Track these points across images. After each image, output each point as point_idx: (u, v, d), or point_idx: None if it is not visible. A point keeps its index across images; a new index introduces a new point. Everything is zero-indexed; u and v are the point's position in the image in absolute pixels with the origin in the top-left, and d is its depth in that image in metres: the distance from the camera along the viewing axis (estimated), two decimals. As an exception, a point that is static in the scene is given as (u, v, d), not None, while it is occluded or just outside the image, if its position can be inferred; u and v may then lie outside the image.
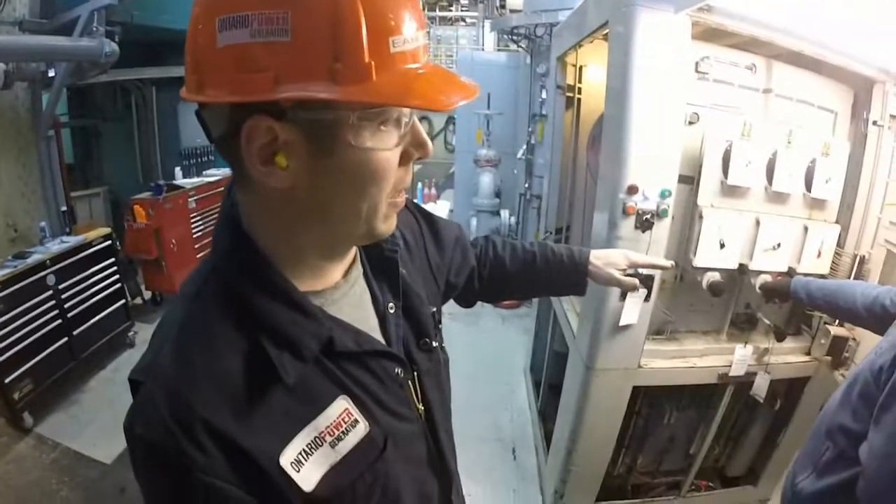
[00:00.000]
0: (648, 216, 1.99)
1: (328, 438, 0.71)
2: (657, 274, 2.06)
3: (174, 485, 0.63)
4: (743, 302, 2.50)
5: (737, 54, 2.30)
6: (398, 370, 0.82)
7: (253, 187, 0.66)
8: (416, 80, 0.61)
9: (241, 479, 0.64)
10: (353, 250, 0.83)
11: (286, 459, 0.66)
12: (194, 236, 5.25)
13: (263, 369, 0.66)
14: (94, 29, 3.97)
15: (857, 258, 2.52)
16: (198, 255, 5.24)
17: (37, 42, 3.87)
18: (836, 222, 2.47)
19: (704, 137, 2.15)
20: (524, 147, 5.49)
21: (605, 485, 2.63)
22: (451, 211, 6.05)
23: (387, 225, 0.73)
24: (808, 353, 2.58)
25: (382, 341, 0.83)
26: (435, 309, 0.97)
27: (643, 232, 2.01)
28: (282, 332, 0.68)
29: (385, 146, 0.64)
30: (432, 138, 9.81)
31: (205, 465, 0.62)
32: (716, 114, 2.18)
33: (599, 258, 1.29)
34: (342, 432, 0.72)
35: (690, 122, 2.16)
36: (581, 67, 3.28)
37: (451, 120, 9.33)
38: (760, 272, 2.25)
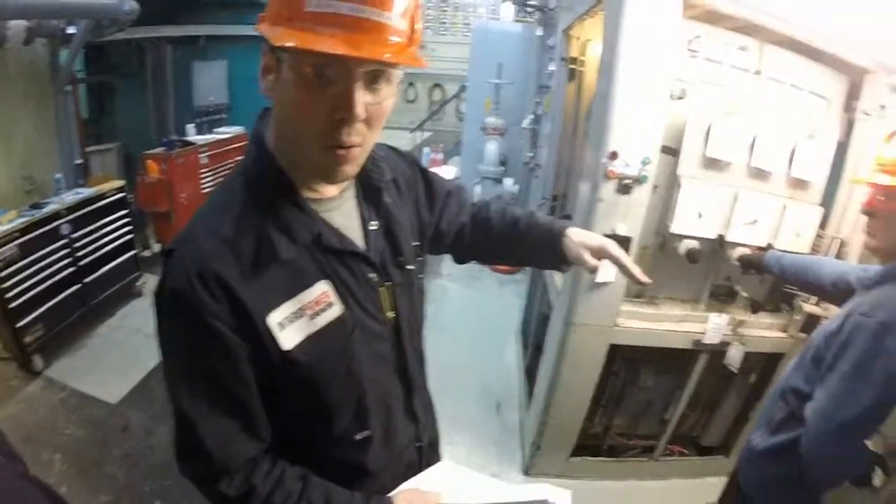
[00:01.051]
0: (628, 181, 2.09)
1: (308, 312, 0.90)
2: (636, 237, 2.17)
3: (187, 324, 0.84)
4: (723, 274, 2.60)
5: (730, 35, 2.36)
6: (372, 274, 1.00)
7: (273, 105, 0.88)
8: (311, 33, 0.74)
9: (237, 325, 0.84)
10: None
11: (273, 319, 0.87)
12: (204, 192, 5.27)
13: (269, 248, 0.86)
14: (116, -14, 4.05)
15: (838, 242, 2.61)
16: None
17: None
18: (821, 205, 2.55)
19: (689, 111, 2.24)
20: (531, 117, 5.54)
21: (581, 442, 2.75)
22: (456, 177, 6.10)
23: (330, 168, 0.87)
24: (785, 331, 2.68)
25: (363, 247, 1.00)
26: (417, 243, 1.14)
27: (622, 195, 2.11)
28: (284, 221, 0.88)
29: (299, 88, 0.80)
30: (443, 104, 9.79)
31: (213, 308, 0.82)
32: (703, 90, 2.25)
33: (576, 234, 1.26)
34: (320, 309, 0.91)
35: (679, 97, 2.25)
36: (586, 41, 3.35)
37: (463, 89, 9.33)
38: (738, 244, 2.34)
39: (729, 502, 1.97)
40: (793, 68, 2.46)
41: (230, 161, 5.67)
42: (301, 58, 0.77)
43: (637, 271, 1.22)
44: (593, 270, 1.24)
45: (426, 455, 1.21)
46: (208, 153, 5.37)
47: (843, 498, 1.67)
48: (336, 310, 0.93)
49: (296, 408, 0.96)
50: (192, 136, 5.59)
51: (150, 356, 3.53)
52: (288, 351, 0.88)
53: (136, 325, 4.25)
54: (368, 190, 1.03)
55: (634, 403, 2.85)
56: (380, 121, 0.86)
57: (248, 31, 6.96)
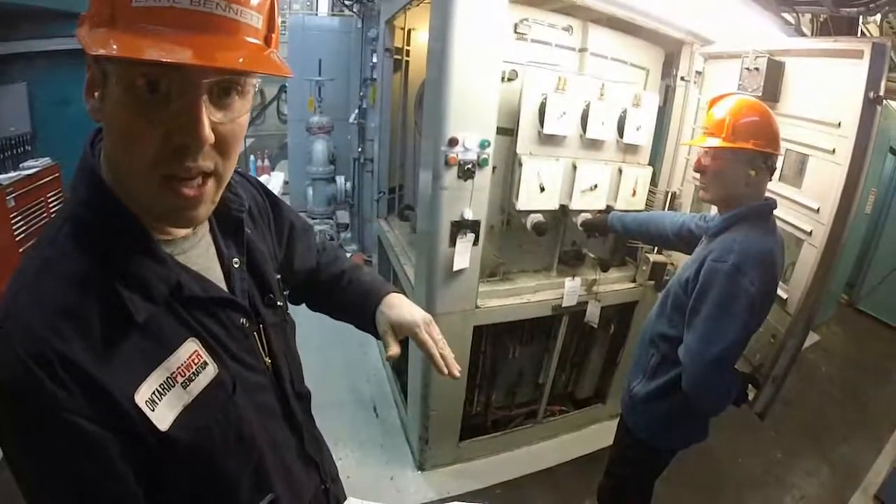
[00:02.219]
0: (469, 166, 2.17)
1: (179, 379, 0.74)
2: (483, 220, 2.27)
3: (36, 424, 0.64)
4: (569, 240, 2.78)
5: (555, 17, 2.51)
6: (243, 320, 0.87)
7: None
8: (138, 36, 0.59)
9: (97, 414, 0.65)
10: None
11: (140, 397, 0.69)
12: (18, 239, 4.49)
13: (118, 310, 0.68)
14: None
15: (669, 194, 2.91)
16: None
17: None
18: (650, 164, 2.79)
19: (522, 91, 2.35)
20: (356, 112, 5.45)
21: (466, 424, 2.83)
22: (286, 182, 5.79)
23: (174, 211, 0.71)
24: (634, 281, 2.94)
25: (227, 291, 0.87)
26: (279, 276, 1.02)
27: (465, 181, 2.18)
28: (133, 274, 0.70)
29: (128, 108, 0.64)
30: (264, 108, 8.49)
31: (65, 400, 0.63)
32: (532, 70, 2.37)
33: (389, 308, 1.17)
34: (193, 373, 0.76)
35: (509, 79, 2.35)
36: (409, 31, 3.38)
37: (283, 89, 8.89)
38: (581, 211, 2.52)
39: (621, 446, 2.13)
40: (615, 44, 2.67)
41: (42, 200, 4.97)
42: (129, 68, 0.61)
43: (441, 364, 1.14)
44: (389, 358, 1.14)
45: (332, 493, 1.13)
46: (15, 194, 4.58)
47: (724, 416, 1.86)
48: (211, 370, 0.78)
49: (186, 491, 0.78)
50: None
51: None
52: (165, 432, 0.71)
53: None
54: (226, 222, 0.89)
55: (508, 376, 2.97)
56: (236, 143, 0.73)
57: (50, 45, 6.13)
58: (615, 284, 2.88)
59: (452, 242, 2.26)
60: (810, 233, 2.01)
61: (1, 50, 5.85)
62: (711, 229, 1.81)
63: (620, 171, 2.62)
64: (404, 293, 1.23)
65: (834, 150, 1.94)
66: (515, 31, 2.40)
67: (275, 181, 5.59)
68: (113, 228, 0.71)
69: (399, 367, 3.24)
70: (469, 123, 2.16)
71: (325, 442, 1.17)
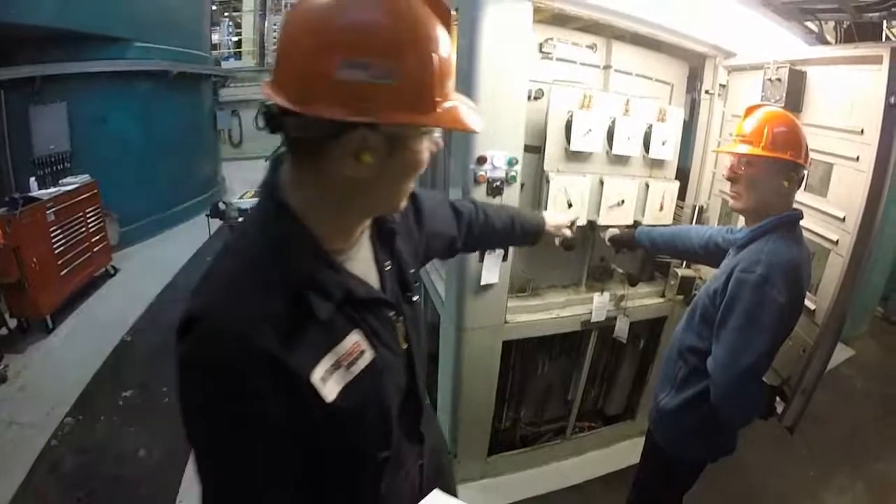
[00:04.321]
0: (498, 183, 2.21)
1: (344, 363, 0.94)
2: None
3: (232, 401, 0.83)
4: (597, 255, 2.79)
5: (579, 36, 2.55)
6: (392, 314, 1.07)
7: (322, 174, 0.87)
8: (457, 111, 0.85)
9: (282, 392, 0.85)
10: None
11: (316, 376, 0.89)
12: (56, 252, 4.77)
13: (301, 309, 0.87)
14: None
15: (697, 208, 2.90)
16: (62, 273, 4.81)
17: None
18: (676, 179, 2.79)
19: (548, 109, 2.38)
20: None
21: (494, 440, 2.84)
22: None
23: (404, 203, 0.99)
24: (663, 296, 2.93)
25: (381, 291, 1.06)
26: (413, 270, 1.22)
27: (493, 197, 2.22)
28: (317, 282, 0.90)
29: (425, 149, 0.90)
30: None
31: (259, 384, 0.83)
32: (558, 88, 2.41)
33: (550, 220, 1.82)
34: (354, 358, 0.95)
35: (535, 98, 2.39)
36: None
37: None
38: (609, 226, 2.53)
39: (649, 460, 2.13)
40: (639, 60, 2.70)
41: (80, 214, 5.16)
42: (427, 137, 0.89)
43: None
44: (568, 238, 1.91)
45: (426, 472, 1.29)
46: (55, 208, 4.79)
47: (752, 429, 1.86)
48: (368, 356, 0.98)
49: (332, 447, 0.99)
50: (36, 190, 4.97)
51: (30, 449, 3.20)
52: (330, 403, 0.91)
53: (6, 417, 3.62)
54: (382, 231, 1.10)
55: (537, 392, 2.97)
56: None
57: (88, 67, 6.39)
58: (644, 299, 2.88)
59: (481, 258, 2.29)
60: (836, 242, 2.00)
61: (41, 71, 6.09)
62: (739, 241, 1.81)
63: (647, 185, 2.63)
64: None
65: (858, 158, 1.93)
66: (541, 51, 2.44)
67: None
68: (299, 245, 0.90)
69: (428, 383, 3.25)
70: (497, 142, 2.20)
71: (434, 419, 1.40)
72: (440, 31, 0.83)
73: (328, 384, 0.91)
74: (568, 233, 1.86)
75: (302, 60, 0.79)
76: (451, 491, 1.28)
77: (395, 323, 1.08)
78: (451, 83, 0.86)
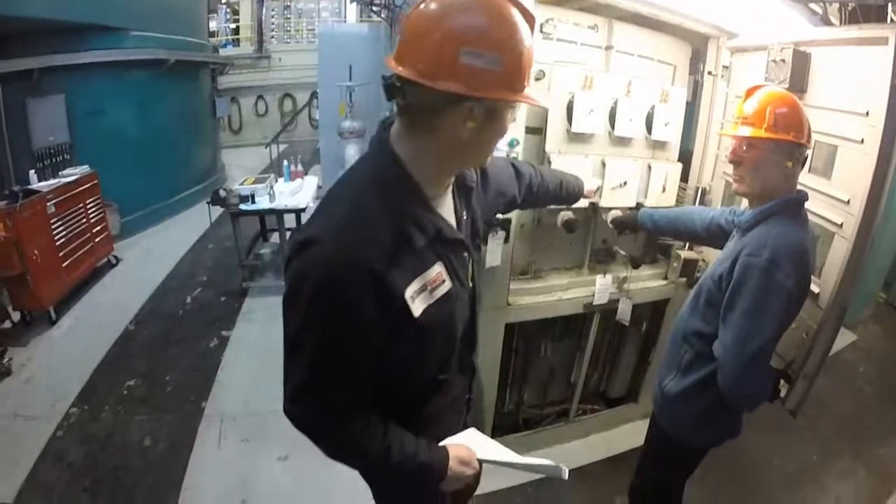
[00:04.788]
0: (500, 164, 2.19)
1: (429, 287, 1.15)
2: (513, 217, 2.29)
3: (338, 310, 1.04)
4: (600, 237, 2.78)
5: (580, 16, 2.51)
6: (466, 254, 1.29)
7: (434, 133, 1.08)
8: (534, 91, 1.09)
9: (380, 305, 1.06)
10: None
11: (409, 293, 1.10)
12: (58, 244, 4.77)
13: (406, 240, 1.09)
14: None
15: (700, 190, 2.88)
16: (64, 264, 4.82)
17: None
18: (679, 160, 2.77)
19: (549, 90, 2.36)
20: (387, 115, 5.53)
21: (497, 423, 2.84)
22: (319, 187, 5.92)
23: (488, 160, 1.25)
24: (666, 278, 2.92)
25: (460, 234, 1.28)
26: (482, 222, 1.46)
27: (494, 179, 2.21)
28: (417, 219, 1.12)
29: (509, 120, 1.13)
30: (295, 115, 10.51)
31: (363, 298, 1.04)
32: (559, 69, 2.38)
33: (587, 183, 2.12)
34: (436, 285, 1.17)
35: (536, 79, 2.37)
36: None
37: (314, 95, 9.15)
38: (611, 208, 2.51)
39: (653, 444, 2.13)
40: (641, 41, 2.66)
41: (80, 205, 5.13)
42: (512, 108, 1.12)
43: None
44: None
45: (472, 407, 1.58)
46: (56, 200, 4.78)
47: (755, 412, 1.84)
48: (447, 285, 1.19)
49: (400, 362, 1.19)
50: (36, 183, 4.90)
51: (35, 441, 3.23)
52: (417, 317, 1.12)
53: (11, 410, 3.61)
54: (462, 188, 1.32)
55: (540, 374, 2.98)
56: None
57: (86, 58, 6.31)
58: (647, 282, 2.87)
59: (484, 240, 2.27)
60: (841, 225, 1.98)
61: (40, 63, 6.03)
62: (744, 224, 1.78)
63: (650, 167, 2.61)
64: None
65: (863, 140, 1.90)
66: (541, 31, 2.41)
67: (308, 185, 5.69)
68: (405, 189, 1.12)
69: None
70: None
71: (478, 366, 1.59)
72: (528, 33, 1.06)
73: (416, 302, 1.11)
74: (596, 198, 2.22)
75: (433, 47, 0.99)
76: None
77: (467, 262, 1.30)
78: (531, 71, 1.09)
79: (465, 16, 1.01)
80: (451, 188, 1.28)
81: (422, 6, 1.04)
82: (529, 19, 1.08)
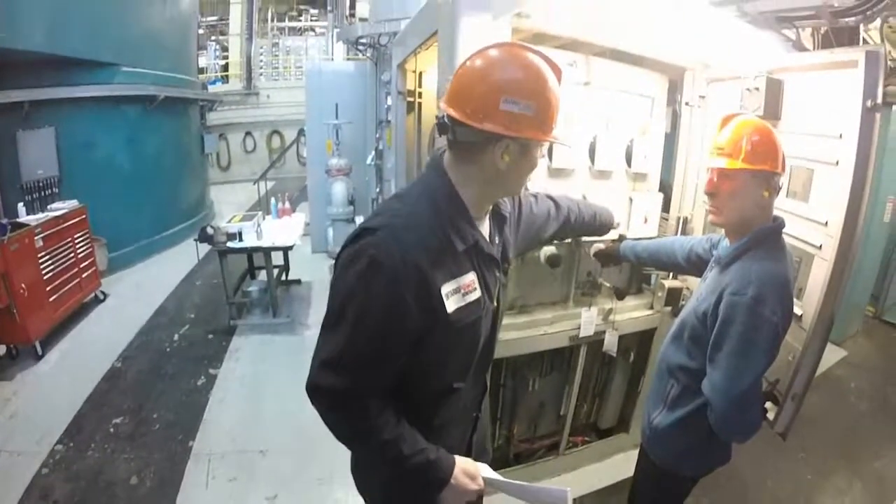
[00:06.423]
0: (481, 201, 2.22)
1: (462, 291, 1.31)
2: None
3: (386, 291, 1.18)
4: (584, 270, 2.78)
5: (559, 53, 2.56)
6: (497, 272, 1.45)
7: (477, 164, 1.28)
8: (560, 133, 1.30)
9: (421, 297, 1.22)
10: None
11: (445, 290, 1.27)
12: (45, 278, 4.75)
13: (449, 245, 1.28)
14: None
15: (681, 219, 2.91)
16: (51, 298, 4.81)
17: None
18: (660, 191, 2.81)
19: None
20: (373, 153, 5.58)
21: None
22: (307, 224, 5.92)
23: (522, 190, 1.57)
24: (651, 308, 2.94)
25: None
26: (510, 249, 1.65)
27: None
28: (460, 229, 1.31)
29: (538, 157, 1.34)
30: (283, 151, 10.77)
31: (409, 286, 1.20)
32: (538, 106, 2.41)
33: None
34: (469, 291, 1.33)
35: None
36: (420, 73, 3.46)
37: (302, 133, 9.21)
38: (594, 241, 2.53)
39: (644, 475, 2.13)
40: (619, 75, 2.71)
41: (69, 240, 5.13)
42: (541, 146, 1.33)
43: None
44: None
45: (478, 427, 1.68)
46: (44, 234, 4.77)
47: None
48: (477, 293, 1.35)
49: (431, 355, 1.32)
50: (24, 216, 4.94)
51: (21, 478, 3.18)
52: (449, 314, 1.27)
53: None
54: (497, 216, 1.51)
55: (529, 408, 2.96)
56: None
57: (76, 92, 6.37)
58: (632, 312, 2.88)
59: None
60: (820, 247, 2.01)
61: (30, 96, 6.09)
62: (724, 259, 1.78)
63: (631, 199, 2.65)
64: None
65: (838, 162, 1.94)
66: (520, 69, 2.46)
67: (296, 222, 5.71)
68: (454, 205, 1.31)
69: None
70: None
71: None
72: (556, 84, 1.27)
73: (450, 300, 1.27)
74: (622, 229, 2.51)
75: (479, 95, 1.21)
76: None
77: (497, 281, 1.45)
78: (559, 115, 1.29)
79: (506, 71, 1.23)
80: (489, 215, 1.46)
81: (468, 63, 1.26)
82: (557, 72, 1.30)
